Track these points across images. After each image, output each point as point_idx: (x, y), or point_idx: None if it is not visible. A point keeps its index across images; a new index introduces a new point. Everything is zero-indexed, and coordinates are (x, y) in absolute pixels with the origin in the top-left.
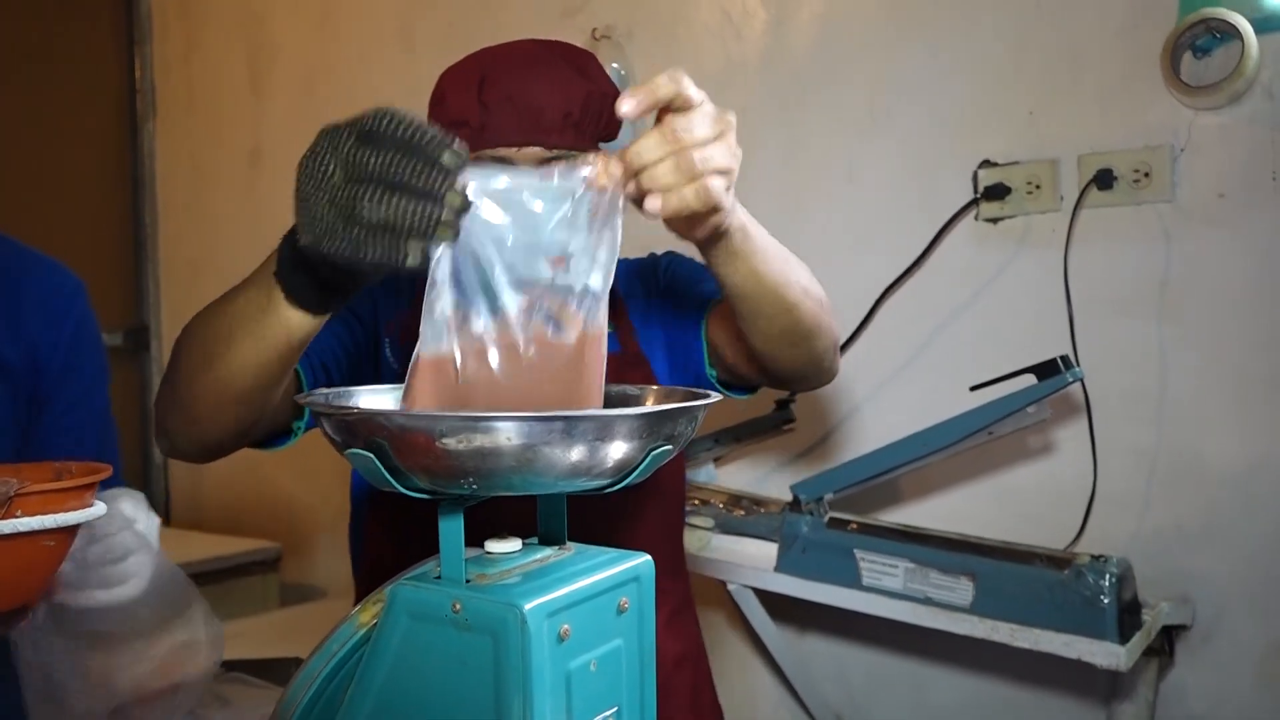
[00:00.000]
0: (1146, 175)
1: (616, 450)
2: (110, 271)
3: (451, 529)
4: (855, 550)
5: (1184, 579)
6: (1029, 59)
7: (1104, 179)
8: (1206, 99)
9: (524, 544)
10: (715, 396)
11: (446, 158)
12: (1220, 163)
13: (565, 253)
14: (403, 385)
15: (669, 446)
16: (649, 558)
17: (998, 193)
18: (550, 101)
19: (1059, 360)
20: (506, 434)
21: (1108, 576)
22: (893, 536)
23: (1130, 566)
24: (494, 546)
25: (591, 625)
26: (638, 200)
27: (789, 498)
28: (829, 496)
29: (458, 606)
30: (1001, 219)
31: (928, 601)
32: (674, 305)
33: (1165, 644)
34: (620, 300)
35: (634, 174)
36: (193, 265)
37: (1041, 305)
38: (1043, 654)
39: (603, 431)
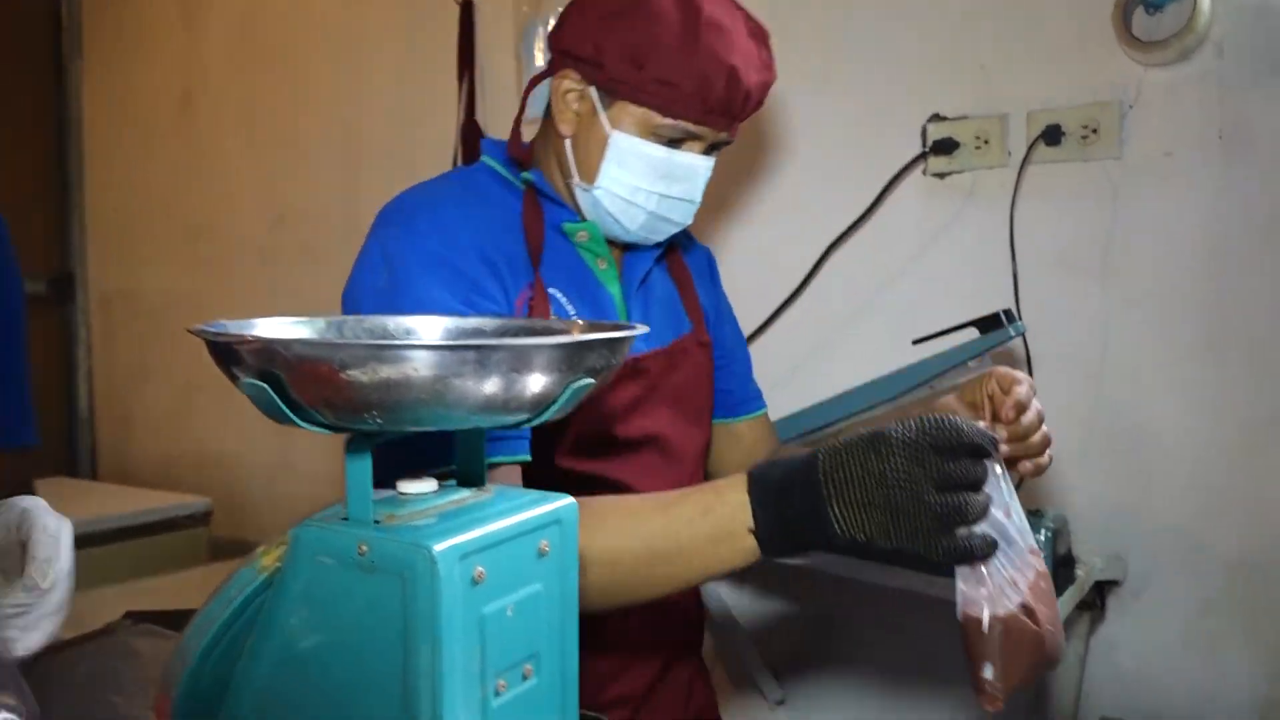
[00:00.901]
0: (1095, 132)
1: (534, 383)
2: (33, 217)
3: (358, 468)
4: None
5: (1117, 536)
6: (983, 13)
7: (1052, 135)
8: (1157, 55)
9: (441, 486)
10: (640, 328)
11: (989, 450)
12: (1168, 120)
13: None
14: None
15: (590, 380)
16: (572, 500)
17: (946, 147)
18: (755, 92)
19: (1002, 314)
20: (414, 364)
21: (1043, 531)
22: None
23: (1066, 522)
24: (407, 487)
25: (509, 568)
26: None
27: None
28: None
29: (364, 548)
30: (949, 174)
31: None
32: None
33: (1097, 599)
34: (690, 277)
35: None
36: (122, 212)
37: (987, 261)
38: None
39: (518, 362)
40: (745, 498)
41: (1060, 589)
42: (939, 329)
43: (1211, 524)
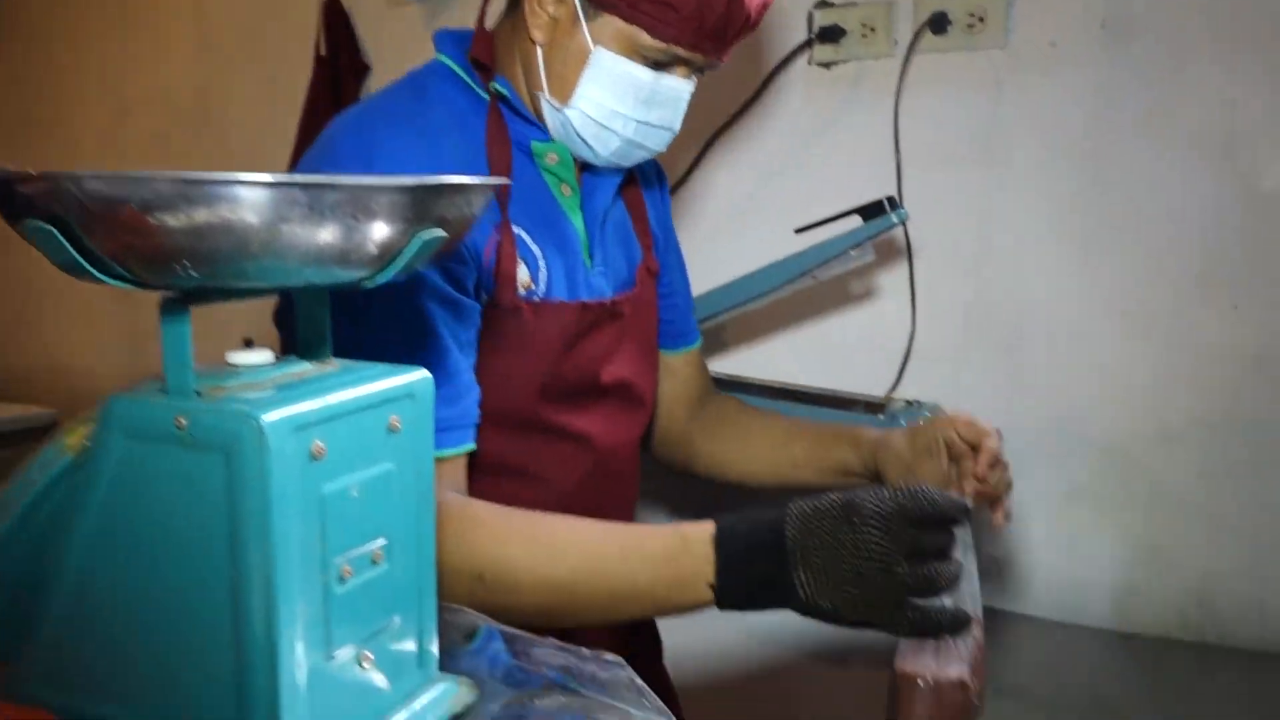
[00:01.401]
0: (981, 20)
1: (376, 231)
2: None
3: (175, 332)
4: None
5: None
6: None
7: (938, 23)
8: None
9: (280, 359)
10: (503, 180)
11: (962, 519)
12: (1053, 9)
13: None
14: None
15: (440, 234)
16: (427, 374)
17: (832, 35)
18: (755, 15)
19: (885, 201)
20: (231, 205)
21: (921, 420)
22: (715, 385)
23: (941, 411)
24: (237, 357)
25: (353, 445)
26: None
27: None
28: None
29: (182, 421)
30: (834, 64)
31: None
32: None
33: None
34: (643, 200)
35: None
36: None
37: (872, 153)
38: None
39: (355, 206)
40: (711, 553)
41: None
42: (821, 218)
43: (1081, 415)
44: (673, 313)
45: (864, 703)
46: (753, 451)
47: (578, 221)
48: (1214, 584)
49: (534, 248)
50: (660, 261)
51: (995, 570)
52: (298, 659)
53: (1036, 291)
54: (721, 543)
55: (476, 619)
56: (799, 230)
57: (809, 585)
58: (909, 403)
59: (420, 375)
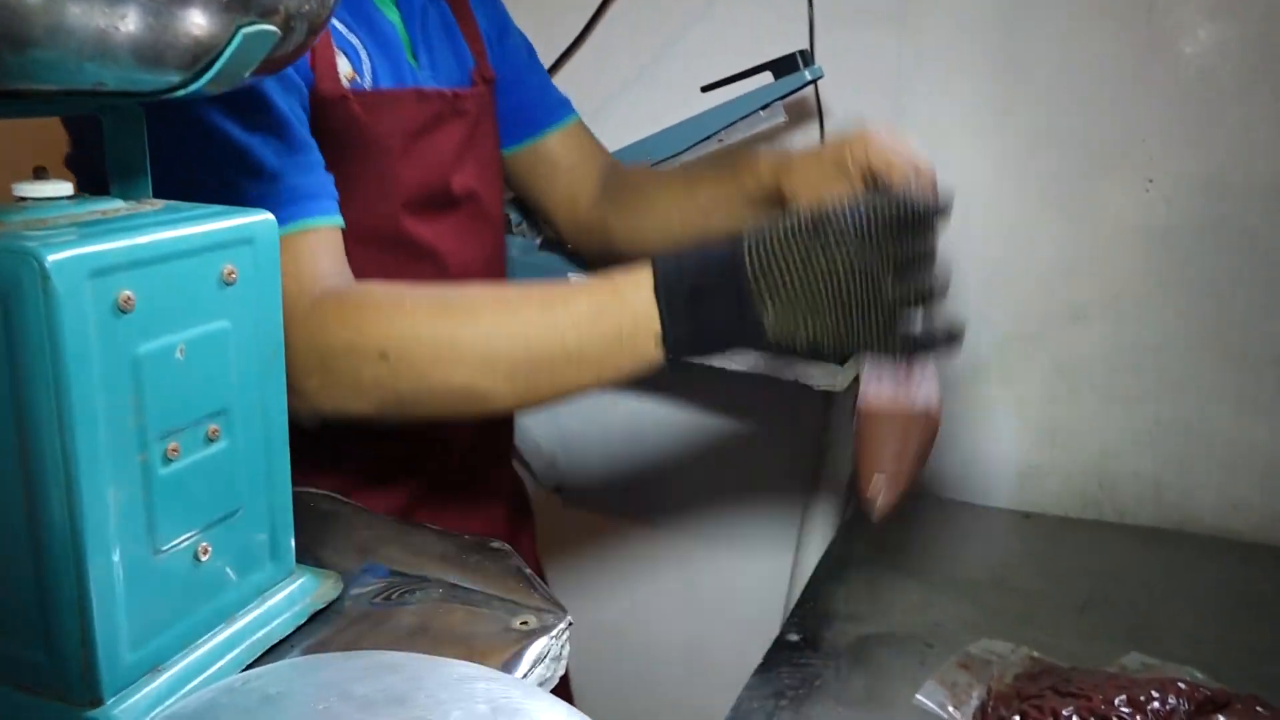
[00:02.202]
0: None
1: (189, 22)
2: None
3: None
4: (571, 275)
5: None
6: None
7: None
8: None
9: (83, 195)
10: None
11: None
12: None
13: None
14: None
15: (269, 27)
16: (270, 217)
17: None
18: None
19: (798, 55)
20: None
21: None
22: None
23: None
24: (25, 189)
25: (176, 297)
26: None
27: None
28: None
29: None
30: None
31: None
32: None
33: None
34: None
35: None
36: None
37: (784, 10)
38: (759, 380)
39: None
40: (651, 301)
41: (845, 358)
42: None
43: (990, 295)
44: (528, 94)
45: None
46: (661, 210)
47: (394, 17)
48: (1113, 464)
49: (351, 39)
50: (496, 58)
51: None
52: (111, 554)
53: (950, 166)
54: (663, 288)
55: (347, 507)
56: (705, 88)
57: (780, 319)
58: None
59: (262, 218)
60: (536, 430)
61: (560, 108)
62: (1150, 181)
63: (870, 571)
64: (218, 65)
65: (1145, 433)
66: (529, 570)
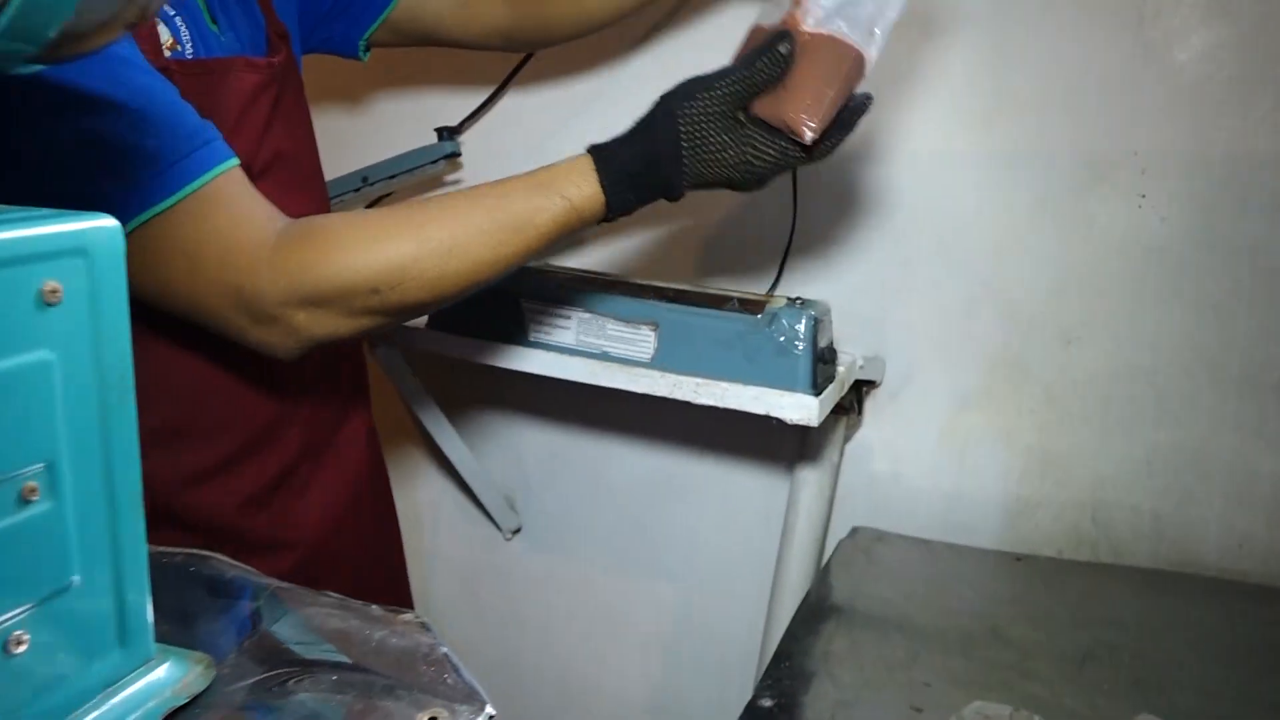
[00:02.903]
0: None
1: None
2: None
3: None
4: (521, 300)
5: (876, 331)
6: None
7: None
8: None
9: None
10: None
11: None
12: None
13: None
14: None
15: None
16: (114, 224)
17: None
18: None
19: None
20: None
21: (804, 320)
22: (565, 282)
23: (829, 311)
24: None
25: None
26: None
27: None
28: None
29: None
30: None
31: (604, 357)
32: None
33: (855, 401)
34: None
35: None
36: None
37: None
38: (728, 417)
39: None
40: (600, 198)
41: (820, 387)
42: None
43: (974, 318)
44: None
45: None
46: None
47: None
48: (1109, 496)
49: (166, 5)
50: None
51: (885, 485)
52: None
53: (928, 182)
54: (607, 185)
55: (228, 569)
56: None
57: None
58: (791, 300)
59: (100, 223)
60: (494, 472)
61: None
62: (1143, 196)
63: (850, 621)
64: (3, 19)
65: (1142, 463)
66: (445, 648)
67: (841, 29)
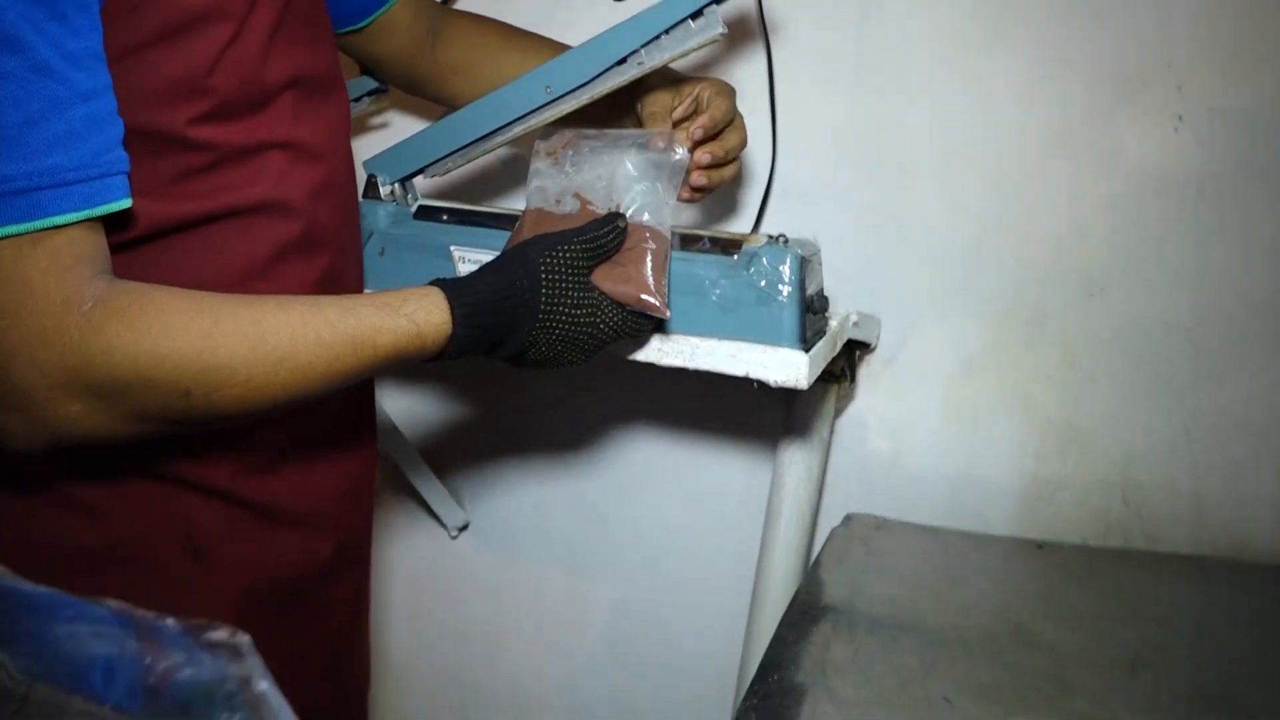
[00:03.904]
0: None
1: None
2: None
3: None
4: (453, 248)
5: (870, 287)
6: None
7: None
8: None
9: None
10: None
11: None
12: None
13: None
14: None
15: None
16: None
17: None
18: None
19: None
20: None
21: (789, 260)
22: (504, 226)
23: (819, 251)
24: None
25: None
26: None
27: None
28: (418, 178)
29: None
30: None
31: None
32: None
33: (846, 368)
34: None
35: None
36: None
37: None
38: (699, 383)
39: None
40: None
41: (810, 342)
42: None
43: (982, 265)
44: None
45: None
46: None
47: None
48: (1141, 475)
49: None
50: None
51: (884, 466)
52: None
53: (925, 102)
54: (459, 330)
55: None
56: None
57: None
58: (773, 238)
59: None
60: (437, 461)
61: None
62: (1179, 118)
63: (850, 625)
64: None
65: (1180, 434)
66: (265, 684)
67: (646, 219)
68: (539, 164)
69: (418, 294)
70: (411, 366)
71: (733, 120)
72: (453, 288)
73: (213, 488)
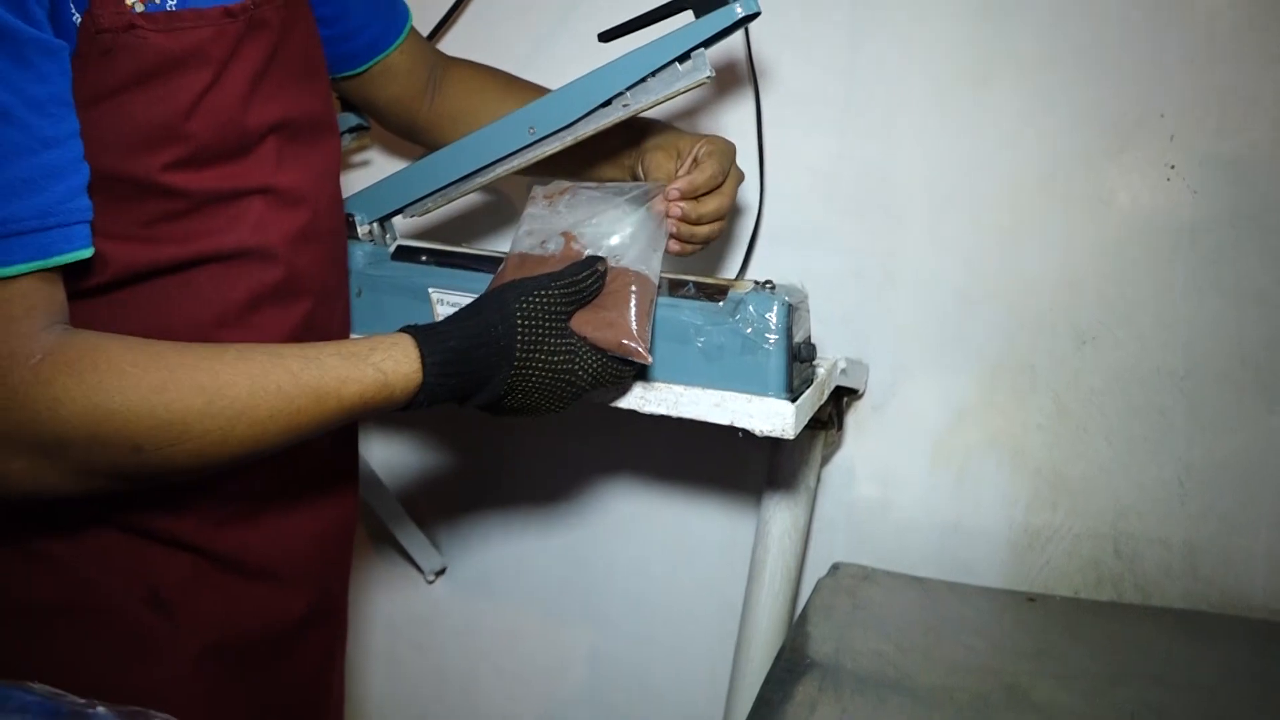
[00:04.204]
0: None
1: None
2: None
3: None
4: (431, 290)
5: (859, 333)
6: None
7: None
8: None
9: None
10: None
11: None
12: None
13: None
14: None
15: None
16: None
17: None
18: None
19: None
20: None
21: (776, 307)
22: (485, 268)
23: (806, 298)
24: None
25: None
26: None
27: None
28: (397, 218)
29: None
30: None
31: None
32: None
33: (834, 414)
34: None
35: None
36: None
37: None
38: (683, 430)
39: None
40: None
41: (797, 391)
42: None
43: (971, 314)
44: (358, 18)
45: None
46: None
47: None
48: (1133, 526)
49: None
50: None
51: (873, 515)
52: None
53: (915, 146)
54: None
55: None
56: (605, 36)
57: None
58: (760, 284)
59: None
60: (416, 504)
61: (397, 21)
62: (1171, 167)
63: (837, 684)
64: None
65: (1173, 485)
66: None
67: (633, 264)
68: (534, 209)
69: (387, 342)
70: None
71: (720, 185)
72: (424, 335)
73: (179, 539)
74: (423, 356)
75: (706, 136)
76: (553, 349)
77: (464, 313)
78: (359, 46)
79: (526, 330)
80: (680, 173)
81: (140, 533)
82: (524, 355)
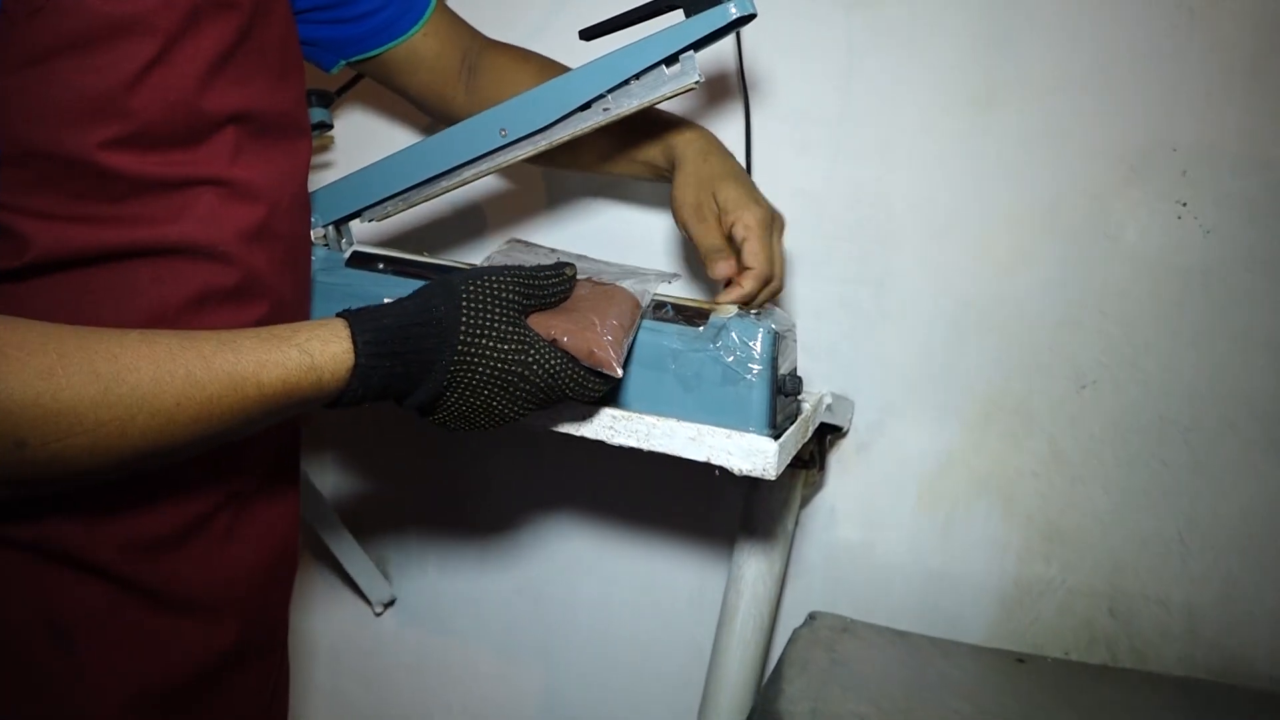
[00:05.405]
0: None
1: None
2: None
3: None
4: (387, 301)
5: (844, 368)
6: None
7: None
8: None
9: None
10: None
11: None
12: None
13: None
14: None
15: None
16: None
17: None
18: None
19: None
20: None
21: (761, 335)
22: (430, 271)
23: (793, 327)
24: None
25: None
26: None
27: None
28: (355, 222)
29: None
30: None
31: None
32: None
33: (816, 453)
34: None
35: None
36: None
37: None
38: (654, 465)
39: None
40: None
41: (780, 427)
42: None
43: (964, 351)
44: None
45: None
46: None
47: None
48: (1130, 583)
49: None
50: None
51: (854, 561)
52: None
53: (910, 175)
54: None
55: None
56: (587, 34)
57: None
58: (744, 310)
59: None
60: (362, 531)
61: (419, 3)
62: (1183, 205)
63: None
64: None
65: (1174, 542)
66: None
67: (626, 285)
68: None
69: (315, 324)
70: (329, 416)
71: (770, 277)
72: (356, 315)
73: (93, 565)
74: (354, 335)
75: (747, 206)
76: (501, 335)
77: (405, 296)
78: (372, 28)
79: (472, 311)
80: (719, 274)
81: (43, 553)
82: (468, 338)
